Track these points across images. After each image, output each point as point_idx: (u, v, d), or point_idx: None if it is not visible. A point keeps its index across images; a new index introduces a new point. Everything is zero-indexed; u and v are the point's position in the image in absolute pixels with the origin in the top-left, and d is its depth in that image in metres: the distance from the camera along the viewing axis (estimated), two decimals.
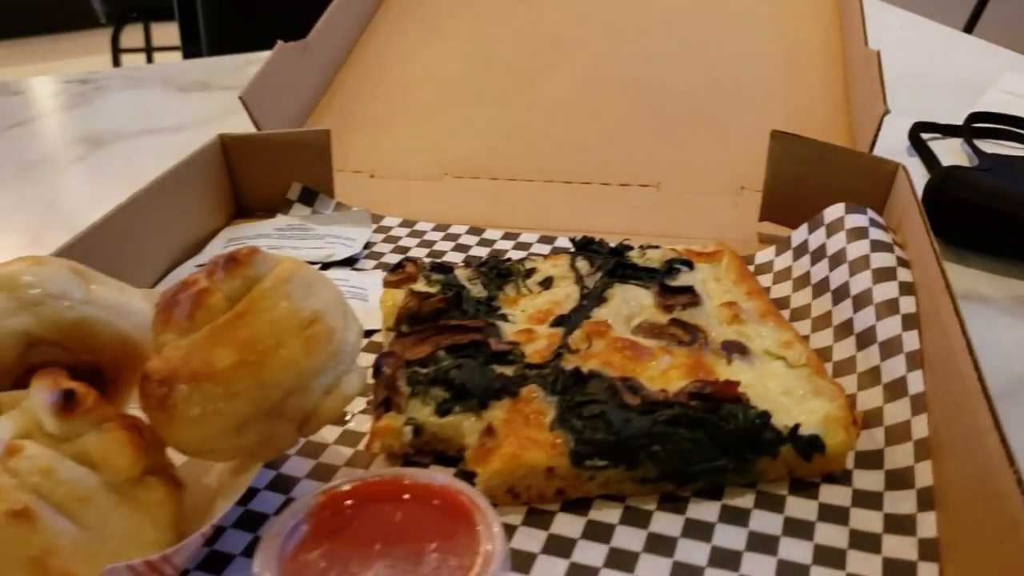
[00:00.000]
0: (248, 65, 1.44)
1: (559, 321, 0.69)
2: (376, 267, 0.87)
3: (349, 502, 0.50)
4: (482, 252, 0.88)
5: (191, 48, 2.05)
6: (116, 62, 3.39)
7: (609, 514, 0.57)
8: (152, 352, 0.58)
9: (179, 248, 0.89)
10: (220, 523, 0.52)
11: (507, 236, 0.91)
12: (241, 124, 0.97)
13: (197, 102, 1.33)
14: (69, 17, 4.77)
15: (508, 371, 0.63)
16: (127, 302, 0.61)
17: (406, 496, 0.50)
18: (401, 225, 0.94)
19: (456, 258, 0.88)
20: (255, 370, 0.50)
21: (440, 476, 0.51)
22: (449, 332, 0.67)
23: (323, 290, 0.55)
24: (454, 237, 0.91)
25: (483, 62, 1.20)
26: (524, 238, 0.90)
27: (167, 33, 3.63)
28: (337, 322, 0.54)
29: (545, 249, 0.87)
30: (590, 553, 0.54)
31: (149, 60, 3.49)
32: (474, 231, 0.92)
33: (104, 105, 1.32)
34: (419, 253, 0.89)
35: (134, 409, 0.56)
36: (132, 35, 3.41)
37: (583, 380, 0.61)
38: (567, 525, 0.56)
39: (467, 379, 0.61)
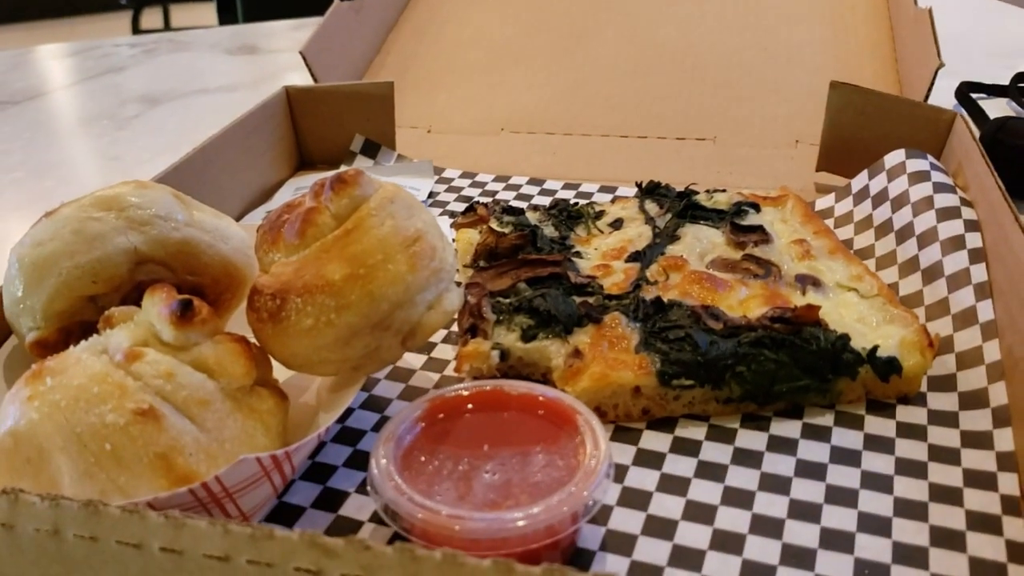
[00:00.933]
0: (294, 30, 1.45)
1: (634, 257, 0.71)
2: (442, 214, 0.89)
3: (456, 408, 0.53)
4: (544, 201, 0.90)
5: (227, 20, 2.08)
6: None
7: (694, 431, 0.59)
8: (256, 272, 0.61)
9: (248, 197, 0.91)
10: (322, 437, 0.55)
11: (568, 186, 0.92)
12: (291, 84, 0.99)
13: (246, 64, 1.35)
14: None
15: (588, 301, 0.65)
16: (226, 227, 0.63)
17: (510, 404, 0.53)
18: (462, 176, 0.96)
19: (519, 206, 0.89)
20: (365, 283, 0.52)
21: (541, 387, 0.53)
22: (529, 265, 0.69)
23: (422, 212, 0.57)
24: (515, 187, 0.93)
25: (532, 23, 1.22)
26: (585, 188, 0.92)
27: (185, 16, 3.67)
28: (438, 241, 0.56)
29: (606, 198, 0.89)
30: (680, 465, 0.56)
31: None
32: (535, 181, 0.94)
33: (155, 67, 1.34)
34: (483, 201, 0.91)
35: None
36: (149, 18, 3.44)
37: (664, 308, 0.63)
38: (654, 441, 0.58)
39: (552, 307, 0.64)
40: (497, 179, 0.95)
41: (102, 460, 0.47)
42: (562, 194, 0.91)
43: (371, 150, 0.99)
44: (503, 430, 0.51)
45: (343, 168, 0.97)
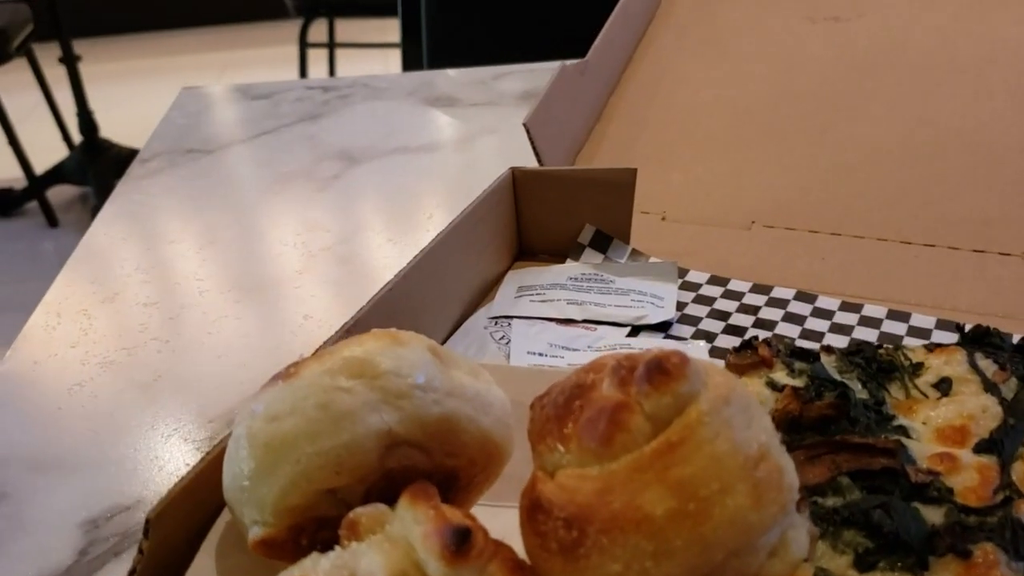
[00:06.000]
0: (495, 80, 1.35)
1: (986, 446, 0.55)
2: (694, 335, 0.75)
3: None
4: (819, 325, 0.75)
5: (410, 47, 2.00)
6: (303, 55, 3.44)
7: None
8: (512, 446, 0.49)
9: (467, 297, 0.80)
10: None
11: (846, 307, 0.77)
12: (494, 145, 0.88)
13: (446, 119, 1.25)
14: (250, 9, 4.88)
15: (936, 513, 0.50)
16: (487, 391, 0.51)
17: None
18: (711, 282, 0.82)
19: (788, 330, 0.75)
20: (696, 523, 0.39)
21: None
22: (851, 451, 0.54)
23: (761, 414, 0.43)
24: (781, 303, 0.78)
25: (782, 89, 1.06)
26: (868, 311, 0.76)
27: (353, 29, 3.71)
28: (783, 459, 0.42)
29: (900, 328, 0.73)
30: None
31: (331, 54, 3.52)
32: (803, 296, 0.78)
33: (351, 117, 1.26)
34: (742, 321, 0.76)
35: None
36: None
37: None
38: None
39: (900, 525, 0.48)
40: (755, 289, 0.80)
41: None
42: (840, 317, 0.76)
43: (601, 243, 0.86)
44: None
45: (567, 262, 0.85)
